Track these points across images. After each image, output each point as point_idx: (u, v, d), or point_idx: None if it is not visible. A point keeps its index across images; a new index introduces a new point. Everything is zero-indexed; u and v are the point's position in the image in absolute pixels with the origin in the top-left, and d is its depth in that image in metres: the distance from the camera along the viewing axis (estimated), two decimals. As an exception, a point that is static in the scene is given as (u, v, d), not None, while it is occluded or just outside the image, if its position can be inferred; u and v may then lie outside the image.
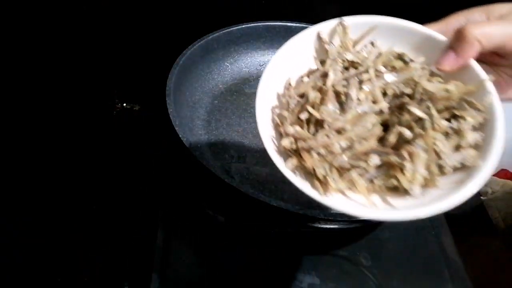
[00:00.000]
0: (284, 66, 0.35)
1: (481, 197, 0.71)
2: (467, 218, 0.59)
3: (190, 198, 0.48)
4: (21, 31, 0.36)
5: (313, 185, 0.28)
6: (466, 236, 0.55)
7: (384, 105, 0.30)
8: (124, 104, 0.69)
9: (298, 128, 0.29)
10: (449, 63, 0.32)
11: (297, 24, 0.59)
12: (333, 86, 0.31)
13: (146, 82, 0.62)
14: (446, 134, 0.29)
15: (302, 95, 0.32)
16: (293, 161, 0.29)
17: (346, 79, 0.31)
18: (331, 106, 0.30)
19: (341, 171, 0.29)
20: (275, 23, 0.59)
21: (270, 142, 0.29)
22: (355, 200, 0.28)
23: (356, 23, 0.37)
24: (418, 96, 0.30)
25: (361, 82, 0.31)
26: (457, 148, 0.29)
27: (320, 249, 0.46)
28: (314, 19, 0.59)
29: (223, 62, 0.57)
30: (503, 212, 0.71)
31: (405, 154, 0.28)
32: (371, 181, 0.29)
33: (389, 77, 0.32)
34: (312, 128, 0.30)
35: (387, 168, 0.29)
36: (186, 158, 0.40)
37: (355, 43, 0.36)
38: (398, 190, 0.29)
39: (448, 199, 0.27)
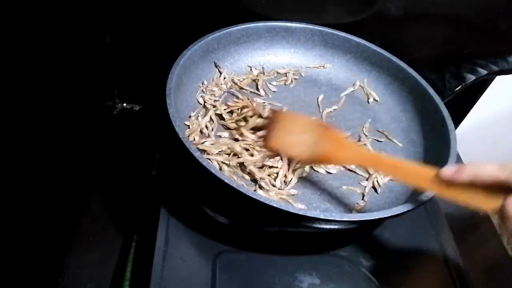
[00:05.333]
0: None
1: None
2: (467, 218, 0.59)
3: (190, 198, 0.48)
4: (21, 31, 0.36)
5: None
6: (466, 236, 0.55)
7: None
8: (124, 104, 0.69)
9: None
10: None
11: (297, 24, 0.60)
12: None
13: (146, 82, 0.62)
14: None
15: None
16: None
17: None
18: None
19: None
20: (275, 23, 0.59)
21: None
22: None
23: None
24: None
25: None
26: None
27: (320, 249, 0.46)
28: (315, 19, 0.60)
29: (223, 63, 0.57)
30: None
31: None
32: None
33: None
34: None
35: None
36: (186, 158, 0.40)
37: None
38: None
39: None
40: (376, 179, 0.49)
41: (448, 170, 0.35)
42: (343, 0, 0.58)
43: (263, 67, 0.60)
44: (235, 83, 0.56)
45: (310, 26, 0.60)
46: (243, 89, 0.57)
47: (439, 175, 0.35)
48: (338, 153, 0.40)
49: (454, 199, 0.35)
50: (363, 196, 0.48)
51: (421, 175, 0.37)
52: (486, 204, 0.33)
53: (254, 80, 0.58)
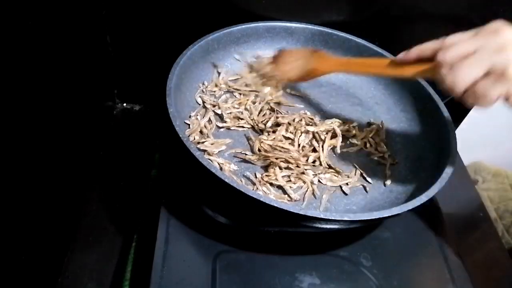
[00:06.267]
0: None
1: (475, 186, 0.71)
2: (467, 218, 0.59)
3: (190, 198, 0.48)
4: (21, 31, 0.36)
5: None
6: (466, 236, 0.55)
7: None
8: (124, 104, 0.69)
9: None
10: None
11: (297, 24, 0.60)
12: None
13: (146, 82, 0.62)
14: None
15: None
16: None
17: None
18: None
19: None
20: (275, 23, 0.59)
21: None
22: None
23: None
24: None
25: None
26: None
27: (320, 249, 0.46)
28: (315, 19, 0.60)
29: (223, 62, 0.57)
30: (496, 202, 0.70)
31: None
32: None
33: None
34: None
35: None
36: (186, 158, 0.40)
37: None
38: None
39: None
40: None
41: (400, 54, 0.42)
42: (343, 0, 0.58)
43: (255, 57, 0.60)
44: (230, 86, 0.57)
45: (310, 26, 0.60)
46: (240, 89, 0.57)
47: (395, 60, 0.42)
48: (320, 66, 0.48)
49: (409, 76, 0.42)
50: (365, 188, 0.48)
51: (382, 64, 0.44)
52: (432, 72, 0.39)
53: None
